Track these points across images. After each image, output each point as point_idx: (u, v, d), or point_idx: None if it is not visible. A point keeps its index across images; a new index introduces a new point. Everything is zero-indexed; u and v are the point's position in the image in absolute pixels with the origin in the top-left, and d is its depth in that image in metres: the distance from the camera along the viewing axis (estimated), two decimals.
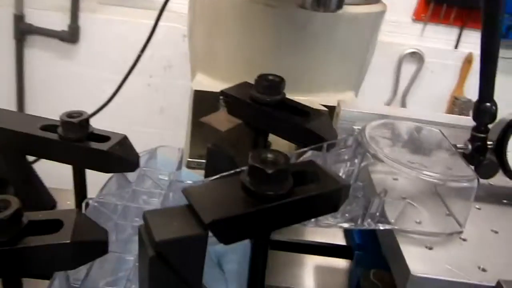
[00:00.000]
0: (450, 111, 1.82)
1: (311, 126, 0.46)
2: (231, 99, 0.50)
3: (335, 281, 0.58)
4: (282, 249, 0.60)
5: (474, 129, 0.46)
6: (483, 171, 0.45)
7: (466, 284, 0.34)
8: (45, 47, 1.65)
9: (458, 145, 0.47)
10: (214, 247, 0.55)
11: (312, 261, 0.60)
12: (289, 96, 0.91)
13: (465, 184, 0.38)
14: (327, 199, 0.35)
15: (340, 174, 0.45)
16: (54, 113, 0.47)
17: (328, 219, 0.41)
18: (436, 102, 1.89)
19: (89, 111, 0.46)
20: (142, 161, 0.52)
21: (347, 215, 0.41)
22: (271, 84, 0.48)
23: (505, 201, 0.46)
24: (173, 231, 0.29)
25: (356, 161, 0.43)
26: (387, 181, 0.47)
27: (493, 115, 0.44)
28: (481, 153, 0.46)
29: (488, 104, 0.44)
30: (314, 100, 0.88)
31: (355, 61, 0.98)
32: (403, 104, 1.92)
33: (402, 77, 1.88)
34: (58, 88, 1.70)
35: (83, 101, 0.95)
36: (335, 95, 0.94)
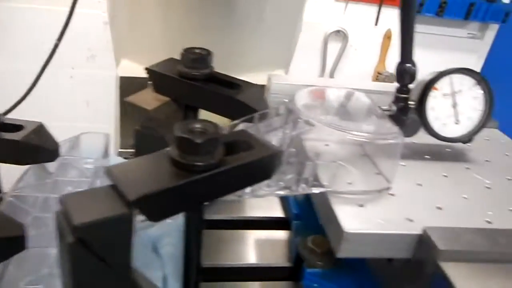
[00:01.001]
0: None
1: (242, 98, 0.45)
2: (156, 76, 0.47)
3: (276, 253, 0.58)
4: (221, 228, 0.59)
5: (397, 90, 0.48)
6: (407, 130, 0.47)
7: (395, 234, 0.35)
8: None
9: (383, 107, 0.49)
10: (149, 231, 0.53)
11: (253, 236, 0.60)
12: None
13: (391, 141, 0.39)
14: (259, 166, 0.34)
15: (273, 143, 0.45)
16: None
17: (263, 188, 0.41)
18: (361, 77, 1.97)
19: (7, 107, 0.42)
20: (63, 150, 0.48)
21: (281, 183, 0.41)
22: (198, 58, 0.46)
23: (427, 156, 0.49)
24: (95, 213, 0.27)
25: (288, 127, 0.43)
26: (319, 147, 0.47)
27: (412, 76, 0.46)
28: (404, 113, 0.48)
29: (408, 64, 0.46)
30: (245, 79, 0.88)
31: (283, 40, 0.98)
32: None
33: (329, 55, 1.95)
34: None
35: None
36: (265, 74, 0.94)
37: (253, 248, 0.57)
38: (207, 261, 0.52)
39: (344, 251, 0.36)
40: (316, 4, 1.81)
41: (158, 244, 0.52)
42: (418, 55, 1.82)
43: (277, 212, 0.65)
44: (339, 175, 0.42)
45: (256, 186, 0.41)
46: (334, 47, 1.93)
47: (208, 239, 0.57)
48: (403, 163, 0.47)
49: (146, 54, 0.89)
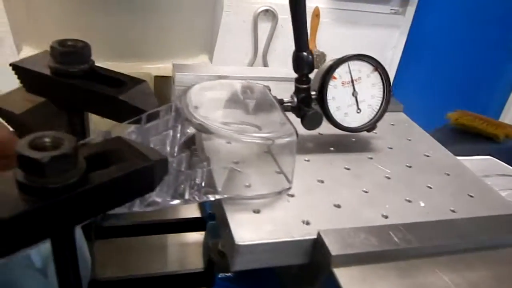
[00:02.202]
0: None
1: (126, 97, 0.40)
2: (24, 73, 0.41)
3: (191, 258, 0.55)
4: (129, 235, 0.55)
5: (296, 80, 0.45)
6: (309, 123, 0.45)
7: (289, 242, 0.33)
8: None
9: (284, 100, 0.47)
10: (39, 249, 0.47)
11: (165, 240, 0.56)
12: (136, 65, 0.82)
13: (285, 140, 0.37)
14: (135, 179, 0.30)
15: (166, 146, 0.41)
16: None
17: (154, 198, 0.37)
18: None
19: None
20: None
21: (177, 189, 0.38)
22: (71, 51, 0.40)
23: (332, 149, 0.48)
24: None
25: (178, 129, 0.39)
26: (220, 146, 0.44)
27: (310, 64, 0.44)
28: (307, 104, 0.46)
29: (304, 53, 0.43)
30: (166, 67, 0.82)
31: (202, 21, 0.92)
32: (265, 63, 1.96)
33: (260, 36, 1.91)
34: None
35: None
36: (188, 60, 0.89)
37: (162, 254, 0.54)
38: (106, 275, 0.48)
39: (238, 264, 0.33)
40: None
41: (48, 262, 0.47)
42: (344, 31, 1.85)
43: (194, 211, 0.61)
44: (235, 178, 0.39)
45: (147, 196, 0.37)
46: (264, 27, 1.90)
47: (109, 250, 0.53)
48: (307, 158, 0.45)
49: (48, 39, 0.81)
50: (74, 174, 0.27)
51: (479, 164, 0.83)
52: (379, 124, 0.50)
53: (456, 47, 2.18)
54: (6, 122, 0.42)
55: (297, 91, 0.46)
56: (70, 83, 0.40)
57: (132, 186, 0.31)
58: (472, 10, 2.10)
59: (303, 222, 0.35)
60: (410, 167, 0.46)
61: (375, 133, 0.51)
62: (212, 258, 0.48)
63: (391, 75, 2.15)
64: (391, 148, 0.50)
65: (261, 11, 1.85)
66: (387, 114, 0.56)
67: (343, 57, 0.45)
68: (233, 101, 0.44)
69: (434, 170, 0.46)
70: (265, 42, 1.91)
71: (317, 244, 0.33)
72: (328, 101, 0.45)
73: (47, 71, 0.41)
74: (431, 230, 0.36)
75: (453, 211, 0.40)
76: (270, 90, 0.57)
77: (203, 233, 0.58)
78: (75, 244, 0.32)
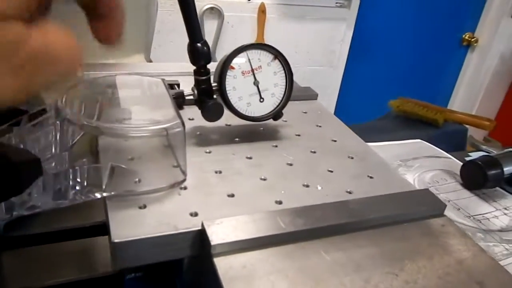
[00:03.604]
0: None
1: None
2: None
3: (98, 261, 0.53)
4: (40, 243, 0.52)
5: (195, 73, 0.44)
6: (208, 114, 0.44)
7: (173, 235, 0.32)
8: None
9: (185, 92, 0.46)
10: None
11: (70, 247, 0.53)
12: None
13: (173, 131, 0.36)
14: None
15: (51, 147, 0.39)
16: None
17: (31, 201, 0.35)
18: None
19: None
20: None
21: (58, 190, 0.36)
22: None
23: (236, 139, 0.47)
24: None
25: (57, 128, 0.37)
26: (116, 143, 0.43)
27: (207, 55, 0.43)
28: (209, 96, 0.45)
29: (198, 44, 0.42)
30: None
31: (135, 20, 0.90)
32: (214, 60, 1.95)
33: (207, 34, 1.90)
34: None
35: None
36: (123, 60, 0.86)
37: (69, 260, 0.51)
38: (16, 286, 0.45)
39: (119, 263, 0.32)
40: None
41: None
42: (291, 26, 1.86)
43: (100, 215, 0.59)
44: (122, 175, 0.37)
45: (26, 199, 0.35)
46: (211, 24, 1.89)
47: (18, 260, 0.50)
48: (208, 150, 0.44)
49: None
50: None
51: (409, 147, 0.85)
52: (290, 112, 0.50)
53: (402, 37, 2.25)
54: None
55: (197, 83, 0.45)
56: None
57: None
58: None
59: (191, 214, 0.35)
60: (314, 152, 0.46)
61: (285, 121, 0.51)
62: None
63: (341, 68, 2.19)
64: (298, 135, 0.50)
65: (206, 9, 1.84)
66: (301, 102, 0.57)
67: (240, 47, 0.45)
68: (126, 96, 0.43)
69: (338, 154, 0.46)
70: (212, 39, 1.90)
71: (202, 235, 0.33)
72: (228, 91, 0.45)
73: None
74: (322, 212, 0.36)
75: (349, 192, 0.40)
76: (178, 85, 0.55)
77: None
78: None
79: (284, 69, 0.47)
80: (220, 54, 1.93)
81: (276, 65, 0.47)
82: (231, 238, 0.32)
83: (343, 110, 2.23)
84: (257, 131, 0.49)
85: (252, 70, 0.46)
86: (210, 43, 1.92)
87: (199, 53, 0.43)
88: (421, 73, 2.41)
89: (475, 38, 2.39)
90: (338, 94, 2.26)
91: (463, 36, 2.39)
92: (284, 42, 1.93)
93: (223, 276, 0.30)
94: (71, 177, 0.35)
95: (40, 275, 0.49)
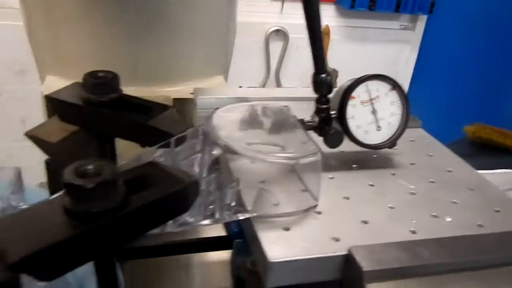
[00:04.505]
0: None
1: (154, 123, 0.42)
2: (58, 104, 0.43)
3: (218, 275, 0.56)
4: (157, 255, 0.56)
5: (317, 101, 0.47)
6: (330, 141, 0.46)
7: (321, 258, 0.34)
8: None
9: (305, 119, 0.48)
10: (74, 271, 0.49)
11: (191, 260, 0.57)
12: (155, 89, 0.84)
13: (310, 159, 0.38)
14: (170, 201, 0.32)
15: (194, 168, 0.42)
16: None
17: (186, 218, 0.38)
18: (306, 74, 1.99)
19: None
20: None
21: (207, 209, 0.39)
22: (102, 82, 0.42)
23: (354, 166, 0.49)
24: None
25: (206, 151, 0.41)
26: (245, 166, 0.45)
27: (329, 85, 0.46)
28: (328, 123, 0.47)
29: (323, 75, 0.45)
30: (183, 89, 0.85)
31: (217, 44, 0.95)
32: (277, 81, 1.99)
33: (272, 55, 1.95)
34: None
35: None
36: (205, 81, 0.91)
37: (191, 274, 0.55)
38: None
39: (272, 281, 0.34)
40: (252, 4, 1.80)
41: (84, 283, 0.48)
42: (355, 49, 1.86)
43: (219, 230, 0.62)
44: (263, 197, 0.40)
45: (178, 217, 0.38)
46: (276, 46, 1.94)
47: (140, 270, 0.54)
48: (331, 176, 0.46)
49: (72, 68, 0.84)
50: (116, 198, 0.28)
51: (501, 177, 0.82)
52: (398, 140, 0.51)
53: (469, 59, 2.18)
54: (42, 150, 0.44)
55: (318, 111, 0.47)
56: (101, 111, 0.42)
57: (168, 208, 0.32)
58: (483, 19, 2.10)
59: (333, 238, 0.36)
60: (433, 182, 0.47)
61: (395, 149, 0.52)
62: (241, 276, 0.49)
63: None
64: (413, 163, 0.50)
65: (272, 31, 1.89)
66: (406, 130, 0.57)
67: (360, 78, 0.47)
68: (255, 122, 0.45)
69: (458, 185, 0.46)
70: (277, 61, 1.95)
71: (348, 260, 0.34)
72: (348, 120, 0.46)
73: (79, 101, 0.43)
74: (460, 245, 0.36)
75: (480, 225, 0.40)
76: (289, 110, 0.58)
77: (224, 251, 0.59)
78: (115, 265, 0.33)
79: (400, 99, 0.48)
80: (284, 74, 1.97)
81: (393, 95, 0.48)
82: (380, 266, 0.33)
83: None
84: (372, 158, 0.50)
85: (371, 100, 0.47)
86: (274, 64, 1.98)
87: (322, 83, 0.46)
88: (490, 94, 2.31)
89: None
90: None
91: None
92: (347, 63, 1.94)
93: None
94: (221, 198, 0.38)
95: (158, 286, 0.53)
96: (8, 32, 1.31)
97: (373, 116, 0.48)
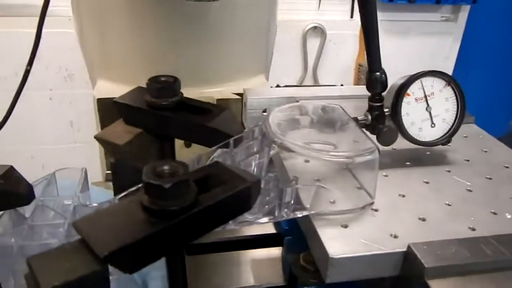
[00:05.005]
0: (357, 77, 1.92)
1: (214, 124, 0.44)
2: (125, 108, 0.46)
3: (270, 272, 0.57)
4: (212, 251, 0.58)
5: (370, 99, 0.47)
6: (384, 139, 0.46)
7: (380, 255, 0.35)
8: None
9: (359, 118, 0.49)
10: None
11: (244, 256, 0.59)
12: (199, 90, 0.87)
13: (368, 157, 0.39)
14: (236, 200, 0.33)
15: (252, 168, 0.44)
16: None
17: (246, 216, 0.40)
18: (344, 71, 1.98)
19: None
20: (38, 190, 0.47)
21: (266, 207, 0.41)
22: (164, 87, 0.45)
23: (408, 163, 0.49)
24: (64, 273, 0.26)
25: (265, 151, 0.42)
26: (299, 165, 0.47)
27: (384, 84, 0.46)
28: (380, 121, 0.47)
29: (377, 73, 0.45)
30: (226, 90, 0.87)
31: (258, 44, 0.97)
32: (315, 78, 1.98)
33: (309, 52, 1.94)
34: None
35: None
36: (247, 81, 0.93)
37: (244, 269, 0.56)
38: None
39: (332, 277, 0.35)
40: (289, 2, 1.80)
41: (146, 277, 0.51)
42: (395, 42, 1.82)
43: (269, 228, 0.64)
44: (320, 195, 0.41)
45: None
46: (313, 43, 1.93)
47: (197, 265, 0.57)
48: (385, 173, 0.46)
49: (121, 72, 0.88)
50: (189, 197, 0.31)
51: None
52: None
53: None
54: (110, 152, 0.47)
55: (371, 109, 0.48)
56: (164, 114, 0.45)
57: (234, 205, 0.34)
58: None
59: (391, 235, 0.37)
60: (490, 179, 0.46)
61: (449, 145, 0.52)
62: (294, 272, 0.50)
63: None
64: (467, 160, 0.50)
65: (309, 28, 1.88)
66: None
67: (415, 74, 0.47)
68: (309, 122, 0.47)
69: None
70: (314, 58, 1.94)
71: (409, 257, 0.35)
72: (402, 117, 0.47)
73: (143, 105, 0.45)
74: None
75: None
76: (341, 109, 0.59)
77: (274, 248, 0.60)
78: (185, 260, 0.35)
79: (456, 95, 0.48)
80: (322, 71, 1.96)
81: (448, 91, 0.48)
82: (442, 262, 0.33)
83: None
84: (425, 155, 0.50)
85: (425, 97, 0.47)
86: (312, 60, 1.97)
87: (377, 82, 0.46)
88: None
89: None
90: None
91: None
92: (389, 57, 1.90)
93: None
94: (280, 196, 0.39)
95: (218, 279, 0.55)
96: (57, 39, 1.38)
97: (428, 112, 0.47)
